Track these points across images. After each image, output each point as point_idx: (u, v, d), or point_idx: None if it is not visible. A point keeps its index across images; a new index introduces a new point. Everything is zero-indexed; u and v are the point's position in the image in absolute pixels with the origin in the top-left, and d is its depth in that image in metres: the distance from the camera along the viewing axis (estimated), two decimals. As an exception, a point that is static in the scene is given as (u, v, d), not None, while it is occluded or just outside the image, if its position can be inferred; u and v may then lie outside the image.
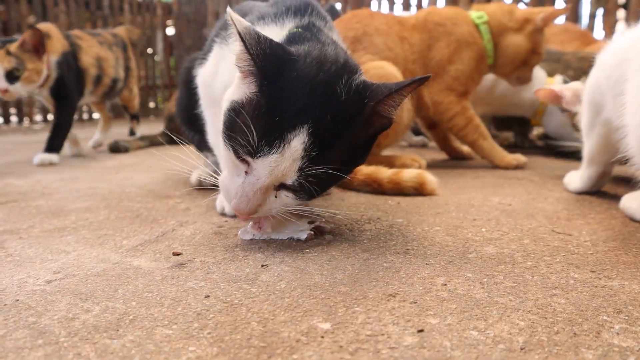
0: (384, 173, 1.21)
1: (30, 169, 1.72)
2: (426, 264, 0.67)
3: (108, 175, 1.58)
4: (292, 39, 0.83)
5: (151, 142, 2.52)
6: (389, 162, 1.51)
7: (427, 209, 1.01)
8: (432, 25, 1.60)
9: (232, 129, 0.70)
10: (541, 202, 1.08)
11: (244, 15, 1.12)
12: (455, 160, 1.84)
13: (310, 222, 0.82)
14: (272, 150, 0.66)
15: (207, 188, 1.11)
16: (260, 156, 0.67)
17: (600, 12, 4.30)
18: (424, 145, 2.32)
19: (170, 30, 7.07)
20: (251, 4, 1.20)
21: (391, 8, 5.33)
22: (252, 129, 0.67)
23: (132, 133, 2.76)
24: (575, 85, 1.31)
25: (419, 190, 1.18)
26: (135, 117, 2.89)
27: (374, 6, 5.42)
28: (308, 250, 0.74)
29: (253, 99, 0.70)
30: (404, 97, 0.72)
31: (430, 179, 1.18)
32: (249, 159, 0.68)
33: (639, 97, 0.74)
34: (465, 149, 1.85)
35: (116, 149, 2.26)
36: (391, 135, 1.52)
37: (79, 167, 1.77)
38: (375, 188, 1.21)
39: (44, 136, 1.92)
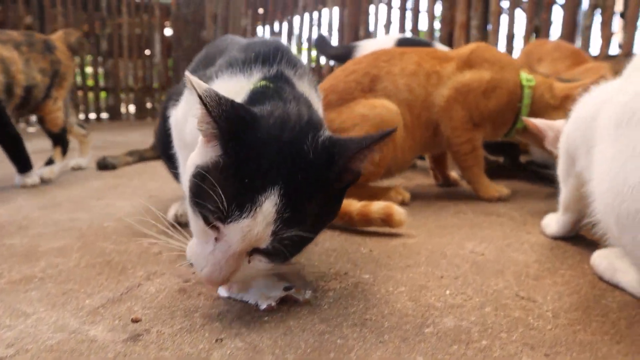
0: (354, 206, 1.21)
1: (14, 191, 1.72)
2: (380, 341, 0.67)
3: (90, 201, 1.58)
4: (255, 96, 0.82)
5: (140, 157, 2.51)
6: (374, 194, 1.51)
7: (398, 260, 1.01)
8: (479, 60, 1.57)
9: (200, 195, 0.69)
10: (515, 250, 1.08)
11: (218, 53, 1.11)
12: (441, 188, 1.84)
13: (286, 288, 0.81)
14: (244, 215, 0.65)
15: (184, 224, 1.10)
16: (231, 221, 0.65)
17: (597, 22, 4.28)
18: (413, 166, 2.31)
19: (168, 31, 7.06)
20: (227, 41, 1.20)
21: (389, 13, 5.32)
22: (221, 193, 0.66)
23: (49, 162, 2.06)
24: (558, 125, 1.30)
25: (386, 222, 1.18)
26: (58, 140, 2.08)
27: (372, 10, 5.40)
28: (266, 319, 0.74)
29: (219, 162, 0.69)
30: (374, 151, 0.71)
31: (398, 210, 1.17)
32: (219, 224, 0.66)
33: (604, 165, 0.74)
34: (454, 175, 1.86)
35: (103, 166, 2.25)
36: (379, 173, 1.52)
37: (63, 189, 1.77)
38: (347, 221, 1.21)
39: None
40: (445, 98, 1.52)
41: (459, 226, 1.28)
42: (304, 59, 5.84)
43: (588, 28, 4.38)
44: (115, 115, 6.55)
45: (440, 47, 2.15)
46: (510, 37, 4.70)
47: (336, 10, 5.66)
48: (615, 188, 0.68)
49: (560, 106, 1.58)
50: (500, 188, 1.61)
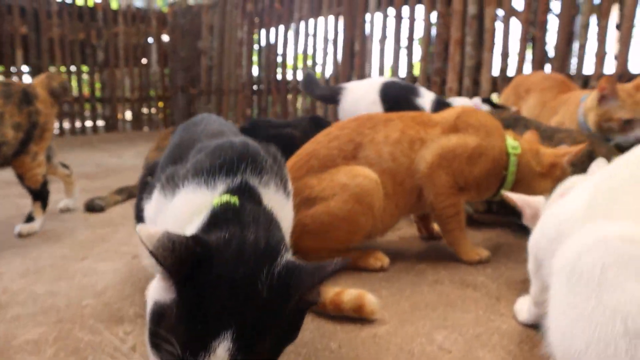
0: (327, 294, 1.22)
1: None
2: None
3: (73, 264, 1.60)
4: (214, 218, 0.83)
5: (130, 194, 2.53)
6: (352, 260, 1.53)
7: (367, 358, 1.03)
8: (465, 125, 1.57)
9: (156, 335, 0.71)
10: (484, 344, 1.09)
11: (191, 143, 1.12)
12: (424, 242, 1.86)
13: None
14: None
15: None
16: None
17: (590, 42, 4.28)
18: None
19: (165, 37, 7.04)
20: (201, 127, 1.21)
21: (385, 23, 5.31)
22: (175, 340, 0.68)
23: (29, 219, 1.97)
24: (536, 202, 1.30)
25: (358, 313, 1.19)
26: (39, 196, 1.99)
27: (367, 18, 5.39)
28: None
29: (172, 306, 0.71)
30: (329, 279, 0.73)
31: (370, 301, 1.19)
32: None
33: (557, 309, 0.75)
34: (437, 229, 1.87)
35: (91, 208, 2.27)
36: (358, 241, 1.53)
37: (48, 244, 1.78)
38: (321, 308, 1.23)
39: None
40: (429, 164, 1.52)
41: (433, 306, 1.30)
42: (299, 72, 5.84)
43: (582, 47, 4.37)
44: (111, 126, 6.56)
45: (424, 92, 2.15)
46: (505, 55, 4.70)
47: (332, 20, 5.65)
48: (563, 344, 0.69)
49: (547, 173, 1.59)
50: (480, 251, 1.62)
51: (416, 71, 5.27)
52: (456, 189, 1.55)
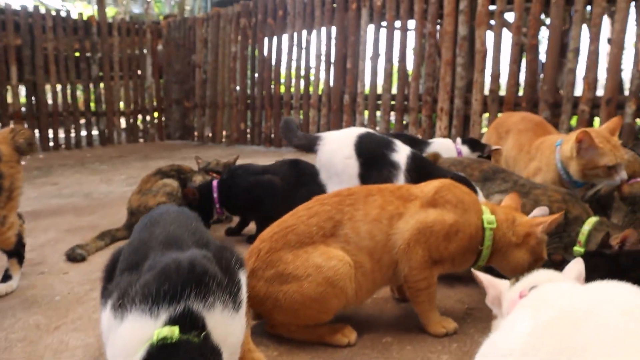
0: None
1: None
2: None
3: (45, 337, 1.62)
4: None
5: (113, 238, 2.55)
6: (320, 335, 1.55)
7: None
8: (443, 201, 1.58)
9: None
10: None
11: (146, 250, 1.14)
12: (397, 304, 1.87)
13: None
14: None
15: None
16: None
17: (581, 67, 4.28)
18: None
19: (160, 47, 7.05)
20: (157, 231, 1.22)
21: (377, 39, 5.31)
22: None
23: (5, 278, 1.95)
24: (501, 286, 1.29)
25: None
26: (14, 254, 1.96)
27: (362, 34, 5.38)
28: None
29: None
30: None
31: None
32: None
33: None
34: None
35: (72, 258, 2.29)
36: (328, 319, 1.54)
37: (23, 306, 1.79)
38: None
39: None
40: (406, 240, 1.53)
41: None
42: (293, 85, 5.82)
43: (572, 71, 4.37)
44: (107, 139, 6.58)
45: (400, 146, 2.12)
46: (496, 77, 4.71)
47: (324, 36, 5.64)
48: None
49: (522, 244, 1.59)
50: (447, 323, 1.62)
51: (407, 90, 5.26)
52: (430, 263, 1.56)
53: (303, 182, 2.38)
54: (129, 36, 6.66)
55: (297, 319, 1.52)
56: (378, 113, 5.38)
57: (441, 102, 4.91)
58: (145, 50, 6.81)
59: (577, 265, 1.27)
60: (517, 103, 4.62)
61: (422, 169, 2.03)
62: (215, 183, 2.41)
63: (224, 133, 6.52)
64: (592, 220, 1.92)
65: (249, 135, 6.33)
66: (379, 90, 5.37)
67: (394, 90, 5.23)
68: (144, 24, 6.83)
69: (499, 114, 4.72)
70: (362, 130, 2.15)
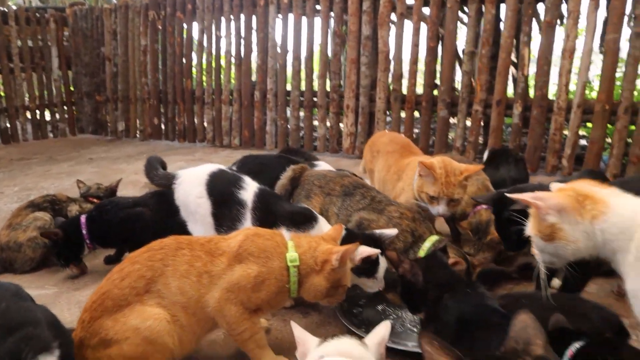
0: None
1: None
2: None
3: None
4: None
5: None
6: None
7: None
8: (246, 254, 1.63)
9: None
10: None
11: None
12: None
13: None
14: None
15: None
16: None
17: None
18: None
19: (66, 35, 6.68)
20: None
21: (284, 36, 5.29)
22: None
23: None
24: (311, 343, 1.37)
25: None
26: None
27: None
28: None
29: None
30: None
31: None
32: None
33: None
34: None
35: None
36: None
37: None
38: None
39: None
40: (217, 299, 1.59)
41: None
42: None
43: (467, 73, 4.54)
44: (10, 137, 6.23)
45: (248, 183, 2.13)
46: (398, 76, 4.83)
47: (234, 26, 5.55)
48: None
49: (321, 270, 1.66)
50: None
51: (315, 87, 5.31)
52: (247, 314, 1.64)
53: (173, 211, 2.38)
54: (30, 25, 6.27)
55: (127, 377, 1.57)
56: (288, 109, 5.42)
57: (347, 100, 5.00)
58: (49, 41, 6.45)
59: (382, 330, 1.38)
60: (417, 102, 4.78)
61: (267, 207, 2.07)
62: (83, 219, 2.38)
63: (138, 128, 6.36)
64: (433, 238, 2.07)
65: (163, 130, 6.20)
66: (288, 87, 5.39)
67: (303, 87, 5.26)
68: (46, 12, 6.44)
69: (401, 113, 4.89)
70: (214, 168, 2.16)
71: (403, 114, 4.91)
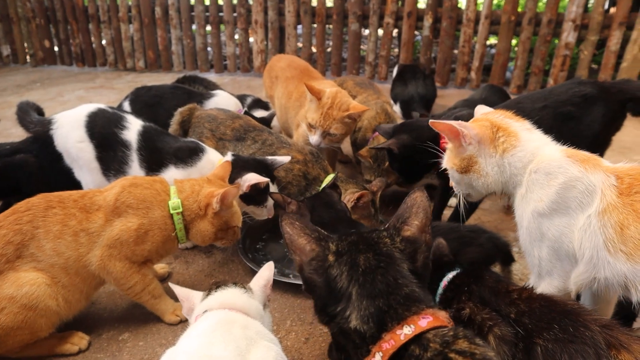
0: None
1: None
2: None
3: None
4: None
5: None
6: (48, 349, 1.55)
7: None
8: (124, 206, 1.53)
9: None
10: None
11: None
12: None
13: None
14: None
15: None
16: None
17: None
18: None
19: None
20: None
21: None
22: None
23: None
24: (194, 297, 1.35)
25: None
26: None
27: None
28: None
29: None
30: None
31: None
32: None
33: None
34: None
35: None
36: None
37: None
38: None
39: None
40: (99, 258, 1.51)
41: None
42: None
43: None
44: None
45: (131, 122, 1.95)
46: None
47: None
48: None
49: (205, 214, 1.63)
50: (180, 311, 1.70)
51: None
52: (136, 267, 1.58)
53: (59, 156, 2.19)
54: None
55: (12, 345, 1.50)
56: (194, 27, 5.04)
57: (255, 14, 4.70)
58: None
59: (265, 272, 1.38)
60: (328, 15, 4.58)
61: (152, 145, 1.93)
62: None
63: (27, 52, 5.72)
64: (329, 177, 2.06)
65: (57, 54, 5.62)
66: (192, 1, 4.97)
67: (207, 1, 4.88)
68: None
69: (313, 25, 4.69)
70: (92, 108, 1.96)
71: (314, 27, 4.72)
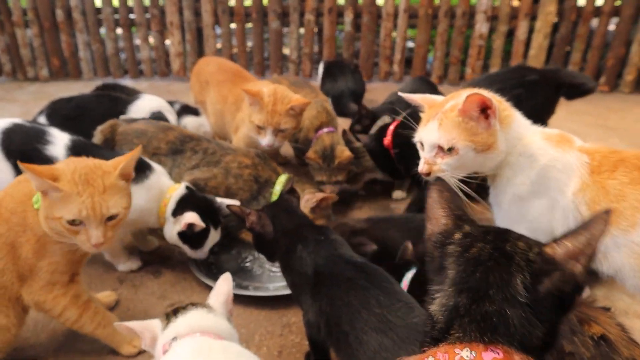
0: None
1: None
2: None
3: None
4: None
5: None
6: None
7: None
8: (7, 213, 1.31)
9: None
10: None
11: None
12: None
13: None
14: None
15: None
16: None
17: None
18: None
19: None
20: None
21: None
22: None
23: None
24: (154, 326, 1.24)
25: None
26: None
27: None
28: None
29: None
30: None
31: None
32: None
33: None
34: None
35: None
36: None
37: None
38: None
39: None
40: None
41: None
42: None
43: None
44: None
45: (56, 136, 1.74)
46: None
47: None
48: None
49: None
50: (136, 341, 1.55)
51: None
52: (60, 287, 1.38)
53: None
54: None
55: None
56: (102, 30, 4.70)
57: (170, 15, 4.47)
58: None
59: (224, 287, 1.27)
60: (247, 13, 4.47)
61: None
62: None
63: None
64: (282, 179, 1.99)
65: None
66: (98, 3, 4.62)
67: (116, 2, 4.57)
68: None
69: (231, 25, 4.55)
70: (6, 123, 1.74)
71: (233, 27, 4.58)
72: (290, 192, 1.58)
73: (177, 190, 1.78)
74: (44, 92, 4.31)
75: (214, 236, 1.81)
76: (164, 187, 1.80)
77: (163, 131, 2.03)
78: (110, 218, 1.33)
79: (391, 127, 2.08)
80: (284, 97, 2.05)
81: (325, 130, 2.27)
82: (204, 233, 1.76)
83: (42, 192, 1.27)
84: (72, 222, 1.27)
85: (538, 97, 2.03)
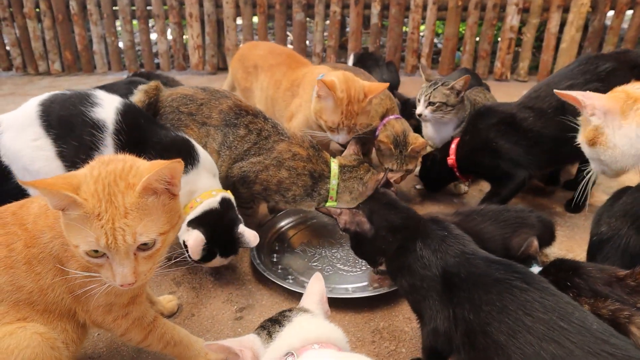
0: None
1: None
2: None
3: None
4: None
5: None
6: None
7: None
8: (52, 219, 1.11)
9: None
10: None
11: None
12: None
13: None
14: None
15: None
16: None
17: None
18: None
19: None
20: None
21: None
22: None
23: None
24: (254, 345, 1.05)
25: None
26: None
27: None
28: None
29: None
30: None
31: None
32: None
33: None
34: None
35: None
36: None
37: None
38: None
39: None
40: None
41: None
42: None
43: None
44: None
45: (103, 98, 1.55)
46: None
47: None
48: None
49: None
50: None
51: None
52: (118, 309, 1.19)
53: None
54: None
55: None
56: (118, 23, 4.52)
57: (189, 7, 4.30)
58: None
59: (316, 286, 1.11)
60: (270, 5, 4.31)
61: (137, 129, 1.53)
62: None
63: None
64: (335, 170, 1.79)
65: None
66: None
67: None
68: None
69: (254, 18, 4.39)
70: (45, 95, 1.53)
71: (255, 20, 4.42)
72: (386, 185, 1.42)
73: (209, 200, 1.58)
74: (56, 87, 4.13)
75: (219, 261, 1.61)
76: (200, 188, 1.60)
77: (217, 98, 1.81)
78: (144, 247, 1.00)
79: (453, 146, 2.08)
80: (357, 92, 1.87)
81: (392, 116, 2.12)
82: (209, 256, 1.57)
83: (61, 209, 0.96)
84: (94, 253, 0.97)
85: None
